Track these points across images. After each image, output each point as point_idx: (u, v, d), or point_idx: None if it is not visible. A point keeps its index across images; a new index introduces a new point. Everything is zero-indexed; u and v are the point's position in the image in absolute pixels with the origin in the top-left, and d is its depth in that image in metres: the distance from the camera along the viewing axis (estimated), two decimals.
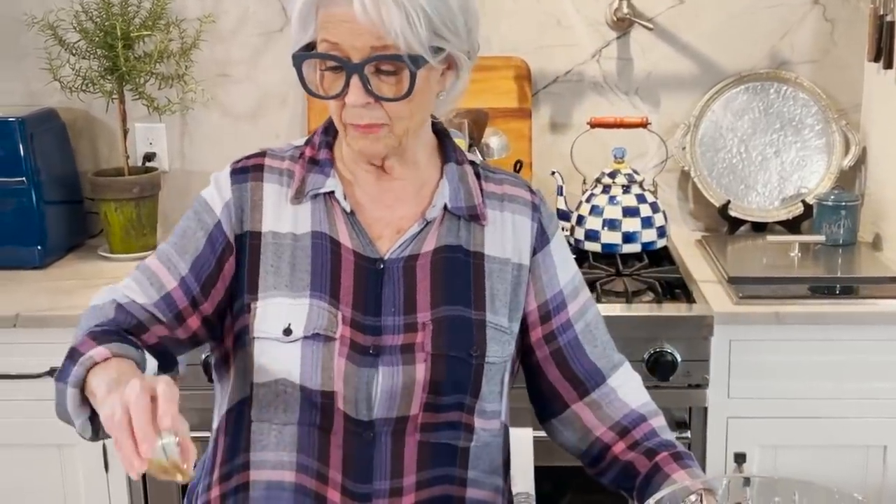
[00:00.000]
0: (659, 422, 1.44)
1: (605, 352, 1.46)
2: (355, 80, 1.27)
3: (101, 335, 1.32)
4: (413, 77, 1.27)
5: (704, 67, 2.66)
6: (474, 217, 1.41)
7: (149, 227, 2.55)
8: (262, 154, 1.44)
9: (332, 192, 1.39)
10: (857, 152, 2.60)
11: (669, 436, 1.44)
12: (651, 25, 2.59)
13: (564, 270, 1.46)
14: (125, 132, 2.55)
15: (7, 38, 2.66)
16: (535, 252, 1.43)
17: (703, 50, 2.65)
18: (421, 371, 1.34)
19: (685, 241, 2.61)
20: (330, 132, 1.43)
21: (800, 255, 2.41)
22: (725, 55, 2.65)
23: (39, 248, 2.48)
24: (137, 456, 1.08)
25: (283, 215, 1.39)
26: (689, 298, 2.18)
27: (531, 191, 1.48)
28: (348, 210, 1.39)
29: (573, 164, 2.51)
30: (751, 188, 2.65)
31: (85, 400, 1.27)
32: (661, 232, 2.41)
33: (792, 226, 2.62)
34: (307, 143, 1.45)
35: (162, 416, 1.09)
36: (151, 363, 1.35)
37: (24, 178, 2.45)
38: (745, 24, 2.63)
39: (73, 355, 1.29)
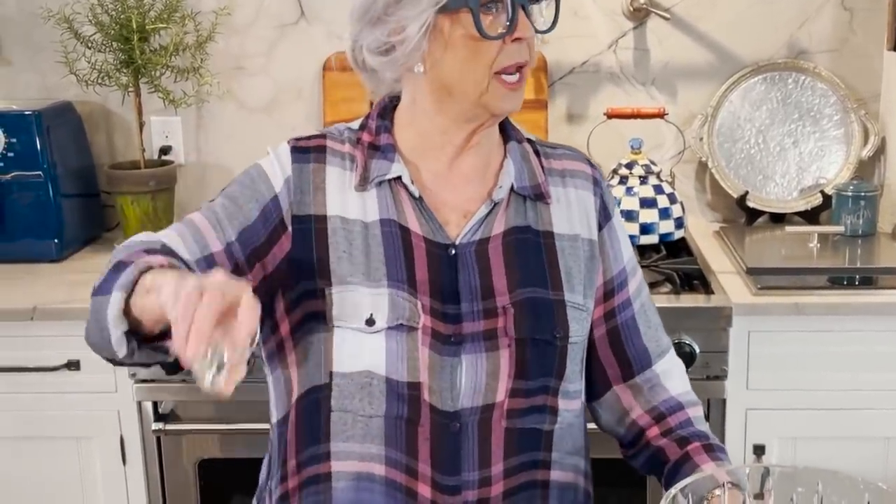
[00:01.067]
0: (696, 412, 1.43)
1: (655, 334, 1.46)
2: (521, 14, 1.26)
3: (154, 252, 1.23)
4: (558, 4, 1.31)
5: (722, 57, 2.64)
6: (539, 196, 1.38)
7: (165, 220, 2.55)
8: (323, 136, 1.39)
9: (398, 178, 1.35)
10: (876, 142, 2.58)
11: (704, 427, 1.43)
12: (668, 15, 2.58)
13: (625, 246, 1.45)
14: (141, 125, 2.55)
15: (23, 32, 2.66)
16: (600, 227, 1.41)
17: (721, 40, 2.64)
18: (505, 357, 1.31)
19: (703, 233, 2.60)
20: (386, 115, 1.39)
21: (819, 245, 2.40)
22: (743, 45, 2.63)
23: (56, 241, 2.48)
24: (185, 346, 1.00)
25: (348, 201, 1.35)
26: (708, 289, 2.16)
27: (591, 164, 1.45)
28: (417, 195, 1.35)
29: (589, 156, 2.49)
30: (769, 179, 2.63)
31: (128, 314, 1.14)
32: (679, 223, 2.39)
33: (810, 216, 2.61)
34: (362, 127, 1.40)
35: (239, 326, 1.00)
36: None
37: (40, 172, 2.45)
38: (762, 13, 2.61)
39: (120, 266, 1.18)
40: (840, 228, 2.44)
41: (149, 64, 2.45)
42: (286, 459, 1.37)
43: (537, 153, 1.42)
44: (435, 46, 1.28)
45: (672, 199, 2.40)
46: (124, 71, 2.47)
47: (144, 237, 1.31)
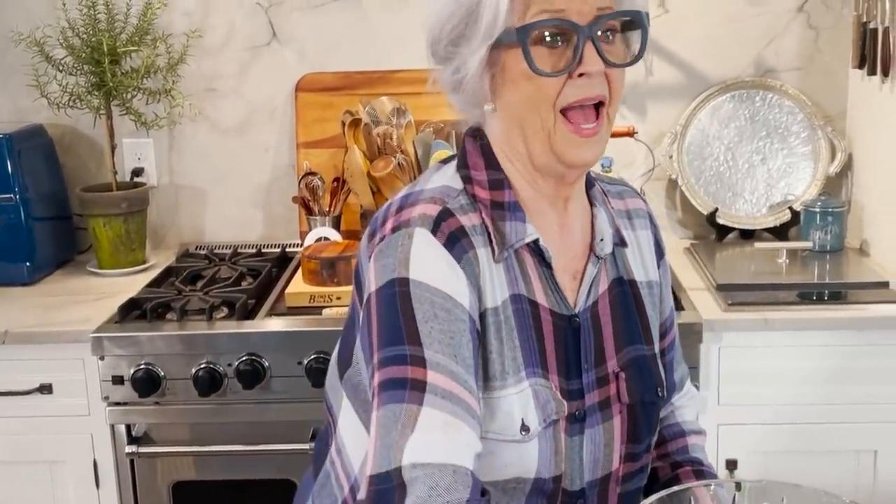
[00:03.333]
0: (696, 440, 1.42)
1: (680, 366, 1.43)
2: (590, 46, 1.12)
3: None
4: (646, 35, 1.17)
5: (690, 76, 2.67)
6: (622, 242, 1.28)
7: (137, 242, 2.55)
8: (450, 212, 1.17)
9: (532, 241, 1.20)
10: (843, 159, 2.61)
11: (702, 455, 1.41)
12: None
13: (670, 284, 1.40)
14: (113, 148, 2.55)
15: None
16: (657, 266, 1.35)
17: (689, 59, 2.67)
18: (618, 423, 1.25)
19: (674, 249, 2.61)
20: (491, 162, 1.22)
21: (788, 261, 2.42)
22: (711, 63, 2.66)
23: (28, 264, 2.47)
24: None
25: (494, 283, 1.18)
26: (679, 306, 2.17)
27: (644, 200, 1.37)
28: (550, 261, 1.21)
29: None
30: (738, 196, 2.66)
31: None
32: None
33: (779, 232, 2.63)
34: (467, 180, 1.21)
35: None
36: None
37: (11, 195, 2.45)
38: (730, 32, 2.65)
39: None
40: (808, 244, 2.46)
41: (120, 86, 2.45)
42: None
43: (605, 193, 1.31)
44: (498, 83, 1.18)
45: None
46: (96, 93, 2.48)
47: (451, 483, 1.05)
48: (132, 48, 2.47)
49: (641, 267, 1.31)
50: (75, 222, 2.69)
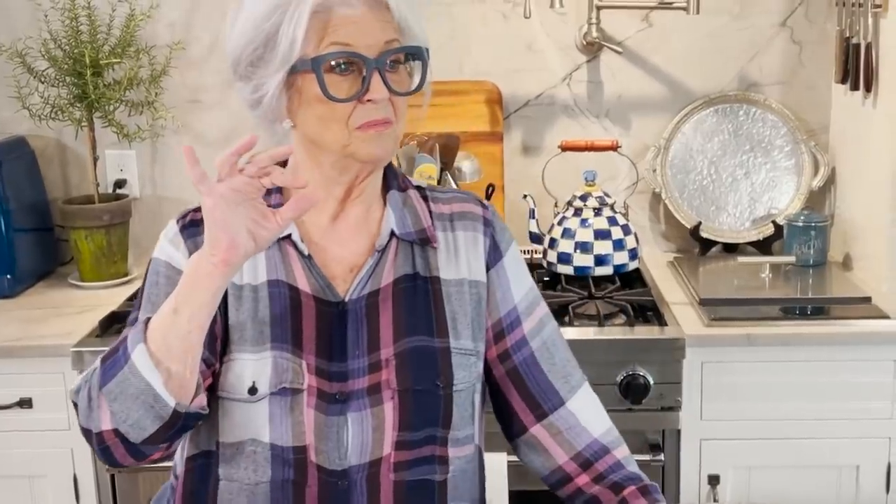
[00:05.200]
0: (623, 452, 1.43)
1: (563, 370, 1.43)
2: (376, 76, 1.27)
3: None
4: (425, 67, 1.33)
5: (674, 90, 2.68)
6: (425, 241, 1.39)
7: (119, 254, 2.53)
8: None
9: (288, 236, 1.36)
10: (826, 173, 2.62)
11: (634, 467, 1.43)
12: (620, 49, 2.61)
13: (518, 286, 1.44)
14: (95, 160, 2.53)
15: None
16: (488, 268, 1.42)
17: (673, 72, 2.67)
18: (389, 410, 1.32)
19: (657, 263, 2.62)
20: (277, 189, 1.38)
21: (771, 276, 2.43)
22: (695, 77, 2.67)
23: (9, 276, 2.46)
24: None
25: (257, 265, 1.35)
26: (661, 321, 2.18)
27: (482, 205, 1.46)
28: (306, 253, 1.36)
29: (545, 188, 2.52)
30: (721, 209, 2.66)
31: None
32: (633, 254, 2.41)
33: (763, 246, 2.63)
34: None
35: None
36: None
37: None
38: (713, 46, 2.65)
39: (113, 352, 1.25)
40: (791, 258, 2.47)
41: (102, 98, 2.44)
42: None
43: (425, 198, 1.44)
44: (295, 103, 1.31)
45: (626, 230, 2.42)
46: (78, 105, 2.46)
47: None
48: (115, 60, 2.45)
49: (453, 266, 1.40)
50: (57, 234, 2.67)
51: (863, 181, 2.47)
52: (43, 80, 2.47)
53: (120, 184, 2.69)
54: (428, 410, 1.34)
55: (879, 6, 2.29)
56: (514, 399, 1.43)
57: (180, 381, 1.21)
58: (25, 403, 2.15)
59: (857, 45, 2.38)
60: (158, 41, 2.59)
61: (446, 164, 2.42)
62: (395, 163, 2.45)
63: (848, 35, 2.42)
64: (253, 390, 1.30)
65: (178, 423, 1.22)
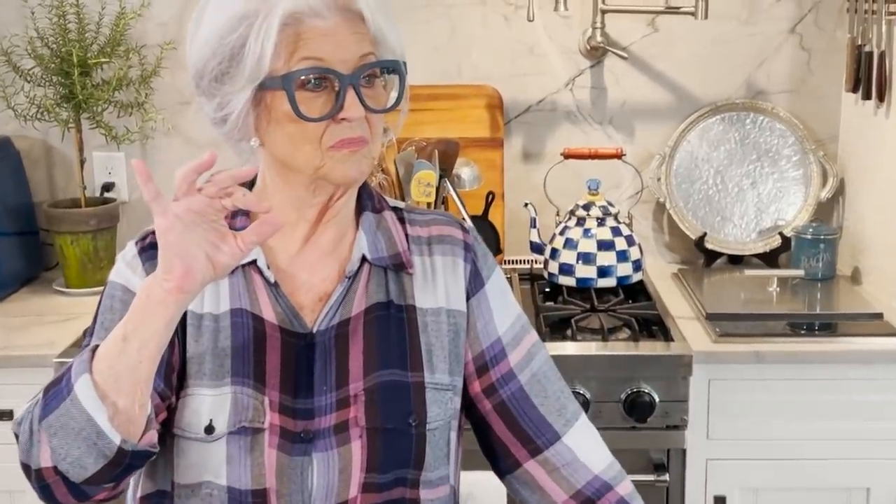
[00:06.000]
0: (626, 488, 1.34)
1: (557, 403, 1.34)
2: (351, 93, 1.18)
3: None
4: (403, 81, 1.24)
5: (679, 97, 2.61)
6: (399, 266, 1.30)
7: (106, 260, 2.45)
8: None
9: (253, 262, 1.26)
10: (834, 184, 2.55)
11: (639, 502, 1.34)
12: (625, 54, 2.54)
13: (503, 315, 1.34)
14: (82, 162, 2.46)
15: None
16: (468, 296, 1.33)
17: (678, 79, 2.60)
18: (357, 449, 1.23)
19: (661, 274, 2.55)
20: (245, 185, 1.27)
21: (778, 289, 2.36)
22: (701, 84, 2.60)
23: None
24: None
25: (219, 292, 1.26)
26: (667, 336, 2.11)
27: (463, 229, 1.36)
28: (272, 281, 1.26)
29: (546, 196, 2.45)
30: (727, 220, 2.59)
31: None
32: (637, 266, 2.34)
33: (769, 259, 2.57)
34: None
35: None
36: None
37: None
38: (720, 53, 2.58)
39: (55, 383, 1.14)
40: (800, 272, 2.40)
41: (90, 99, 2.37)
42: None
43: (402, 220, 1.35)
44: (262, 122, 1.22)
45: (630, 241, 2.35)
46: (65, 106, 2.39)
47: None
48: (103, 59, 2.38)
49: (430, 293, 1.31)
50: (42, 238, 2.59)
51: (873, 193, 2.40)
52: (29, 79, 2.40)
53: (108, 187, 2.61)
54: (398, 450, 1.24)
55: (894, 13, 2.23)
56: (505, 434, 1.33)
57: (128, 416, 1.11)
58: (5, 416, 2.07)
59: (870, 53, 2.31)
60: (149, 41, 2.51)
61: (445, 171, 2.35)
62: (392, 170, 2.39)
63: (860, 42, 2.35)
64: (210, 429, 1.21)
65: (124, 462, 1.12)
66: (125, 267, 1.28)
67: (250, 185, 1.29)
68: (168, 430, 1.23)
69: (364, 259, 1.30)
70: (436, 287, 1.31)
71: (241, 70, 1.18)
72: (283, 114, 1.20)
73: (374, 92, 1.22)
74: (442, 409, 1.28)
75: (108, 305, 1.26)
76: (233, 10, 1.19)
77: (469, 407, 1.35)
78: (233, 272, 1.24)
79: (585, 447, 1.34)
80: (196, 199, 1.07)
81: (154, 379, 1.15)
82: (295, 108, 1.17)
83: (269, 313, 1.25)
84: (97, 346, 1.13)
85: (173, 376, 1.23)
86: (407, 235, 1.33)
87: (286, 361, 1.24)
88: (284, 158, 1.23)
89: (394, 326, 1.28)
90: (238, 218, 1.27)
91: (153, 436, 1.15)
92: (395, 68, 1.24)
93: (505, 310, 1.35)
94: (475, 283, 1.34)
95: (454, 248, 1.34)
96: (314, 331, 1.26)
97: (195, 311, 1.25)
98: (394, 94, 1.25)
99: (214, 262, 1.09)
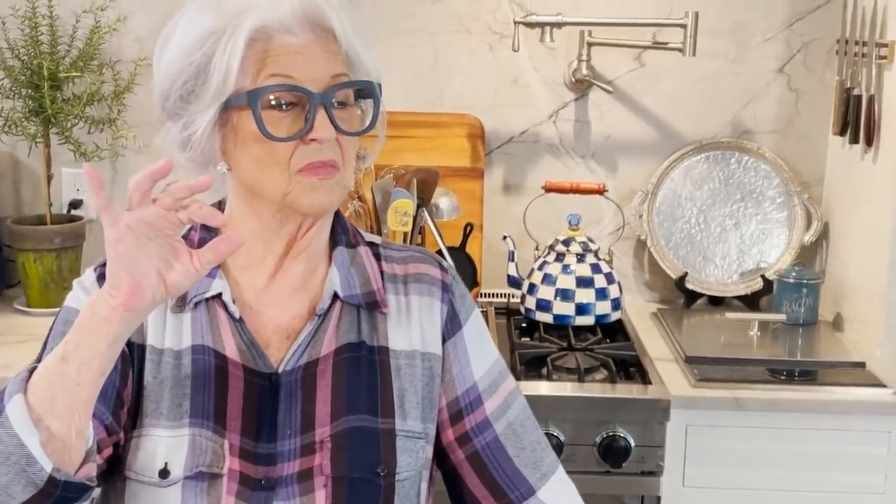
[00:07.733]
0: None
1: (533, 455, 1.28)
2: (322, 113, 1.13)
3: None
4: (378, 105, 1.19)
5: (664, 133, 2.56)
6: (373, 305, 1.24)
7: (70, 280, 2.34)
8: None
9: (218, 296, 1.20)
10: (818, 227, 2.51)
11: None
12: (610, 88, 2.49)
13: (480, 360, 1.29)
14: (49, 178, 2.38)
15: None
16: (444, 339, 1.27)
17: (664, 116, 2.56)
18: (321, 499, 1.16)
19: (640, 313, 2.49)
20: (211, 228, 1.21)
21: (759, 333, 2.31)
22: (686, 122, 2.56)
23: None
24: None
25: (161, 326, 1.20)
26: (645, 379, 2.05)
27: (441, 267, 1.31)
28: (237, 316, 1.20)
29: (525, 229, 2.39)
30: (709, 260, 2.54)
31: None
32: (616, 304, 2.29)
33: (750, 301, 2.52)
34: (183, 238, 1.20)
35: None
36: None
37: None
38: (707, 90, 2.54)
39: None
40: (781, 317, 2.35)
41: (60, 113, 2.30)
42: None
43: (378, 256, 1.29)
44: (229, 143, 1.16)
45: (610, 279, 2.29)
46: (33, 120, 2.32)
47: None
48: (75, 73, 2.31)
49: (405, 335, 1.25)
50: (5, 254, 2.51)
51: (857, 238, 2.36)
52: None
53: (75, 205, 2.53)
54: (365, 501, 1.18)
55: (885, 57, 2.19)
56: (477, 487, 1.27)
57: (63, 442, 1.02)
58: None
59: (859, 97, 2.27)
60: (124, 56, 2.45)
61: (423, 200, 2.29)
62: (369, 198, 2.33)
63: (849, 85, 2.31)
64: (164, 472, 1.14)
65: (55, 493, 1.02)
66: (82, 293, 1.21)
67: (220, 210, 1.22)
68: (120, 473, 1.17)
69: (336, 296, 1.23)
70: (410, 328, 1.26)
71: (206, 88, 1.13)
72: (249, 133, 1.14)
73: (348, 114, 1.17)
74: (413, 459, 1.22)
75: (59, 331, 1.19)
76: (200, 27, 1.14)
77: (441, 456, 1.28)
78: (196, 306, 1.20)
79: (560, 502, 1.28)
80: (149, 210, 1.00)
81: (100, 410, 1.10)
82: (261, 126, 1.12)
83: (231, 350, 1.19)
84: (35, 367, 1.06)
85: (122, 411, 1.16)
86: (382, 272, 1.28)
87: (248, 402, 1.18)
88: (251, 183, 1.17)
89: (365, 369, 1.22)
90: (199, 232, 1.21)
91: (91, 469, 1.06)
92: (369, 90, 1.19)
93: (482, 354, 1.29)
94: (452, 326, 1.28)
95: (431, 287, 1.28)
96: (279, 371, 1.19)
97: (155, 346, 1.19)
98: (368, 118, 1.20)
99: (166, 281, 1.02)
